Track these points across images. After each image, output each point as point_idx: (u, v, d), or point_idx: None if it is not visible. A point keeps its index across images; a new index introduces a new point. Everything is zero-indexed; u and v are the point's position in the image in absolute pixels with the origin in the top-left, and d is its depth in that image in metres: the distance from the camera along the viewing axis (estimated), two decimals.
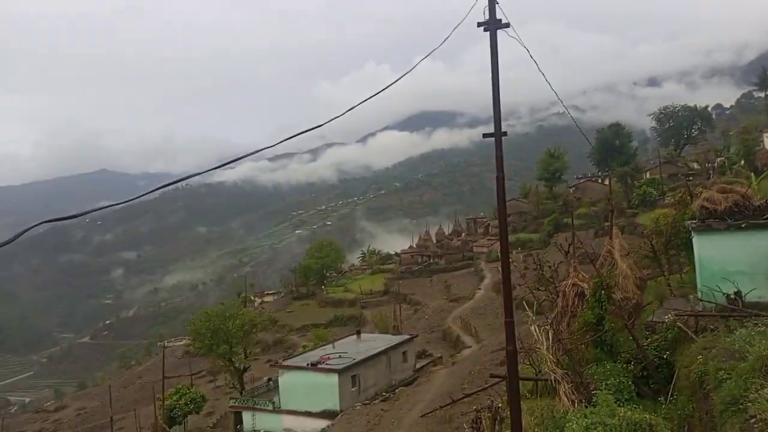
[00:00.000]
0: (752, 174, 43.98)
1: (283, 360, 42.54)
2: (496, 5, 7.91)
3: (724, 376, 10.47)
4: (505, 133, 8.42)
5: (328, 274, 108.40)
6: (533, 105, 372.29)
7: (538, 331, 14.00)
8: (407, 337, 47.17)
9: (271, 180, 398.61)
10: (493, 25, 7.99)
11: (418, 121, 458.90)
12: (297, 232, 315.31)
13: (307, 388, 37.03)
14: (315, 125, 7.79)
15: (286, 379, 38.68)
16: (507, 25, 8.06)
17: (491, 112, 9.64)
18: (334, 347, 43.03)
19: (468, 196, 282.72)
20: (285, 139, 7.38)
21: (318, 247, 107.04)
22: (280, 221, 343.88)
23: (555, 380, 12.93)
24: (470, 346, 48.21)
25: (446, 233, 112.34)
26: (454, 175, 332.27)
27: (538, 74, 10.12)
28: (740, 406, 9.37)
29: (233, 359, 45.19)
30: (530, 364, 17.94)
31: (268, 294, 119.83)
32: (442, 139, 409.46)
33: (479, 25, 8.07)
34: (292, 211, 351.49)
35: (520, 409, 8.66)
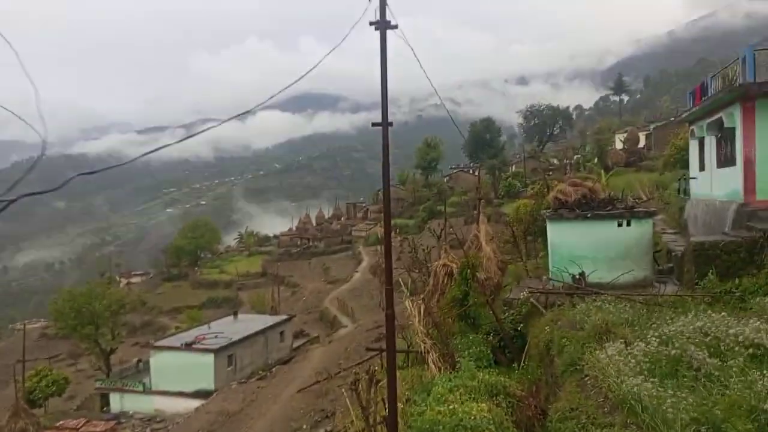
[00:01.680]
0: (603, 171, 49.22)
1: (155, 341, 41.27)
2: (387, 7, 8.75)
3: (566, 343, 12.27)
4: (391, 124, 9.32)
5: (202, 255, 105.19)
6: (413, 95, 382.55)
7: (411, 305, 15.26)
8: (285, 317, 47.65)
9: (139, 153, 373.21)
10: (383, 25, 8.83)
11: (300, 103, 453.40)
12: (168, 210, 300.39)
13: (181, 368, 36.38)
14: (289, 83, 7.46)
15: (158, 360, 37.68)
16: (395, 27, 8.94)
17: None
18: (209, 328, 42.47)
19: (348, 180, 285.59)
20: (272, 96, 7.57)
21: (192, 227, 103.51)
22: (149, 199, 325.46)
23: (425, 350, 14.25)
24: (346, 326, 49.66)
25: (326, 217, 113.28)
26: (336, 159, 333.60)
27: (419, 66, 11.06)
28: (577, 367, 11.12)
29: (99, 341, 43.06)
30: (403, 338, 19.35)
31: (135, 275, 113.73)
32: (325, 122, 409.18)
33: (371, 24, 8.87)
34: (163, 189, 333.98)
35: (396, 365, 9.70)
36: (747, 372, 8.56)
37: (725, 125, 18.58)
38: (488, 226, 24.79)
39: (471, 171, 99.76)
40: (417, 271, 24.80)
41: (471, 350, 14.75)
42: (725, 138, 19.18)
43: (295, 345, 46.50)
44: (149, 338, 50.10)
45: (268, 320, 45.87)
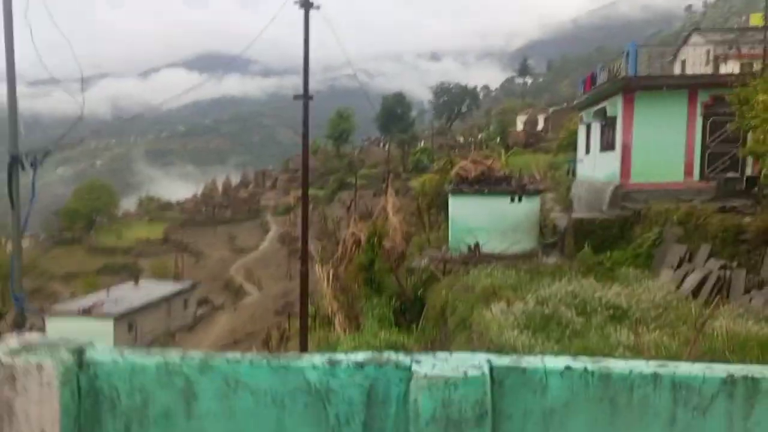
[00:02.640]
0: (503, 150, 51.98)
1: (35, 311, 39.52)
2: None
3: (458, 305, 13.65)
4: (311, 97, 9.94)
5: (98, 219, 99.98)
6: (327, 63, 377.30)
7: (320, 271, 16.10)
8: (188, 284, 47.03)
9: (30, 109, 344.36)
10: (307, 5, 9.40)
11: (208, 62, 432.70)
12: (59, 170, 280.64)
13: (78, 335, 34.89)
14: None
15: (53, 326, 36.21)
16: (318, 7, 9.54)
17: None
18: (108, 294, 41.23)
19: (258, 147, 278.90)
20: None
21: (87, 189, 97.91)
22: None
23: (332, 312, 15.19)
24: (253, 294, 49.80)
25: (233, 184, 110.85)
26: (245, 124, 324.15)
27: (333, 35, 11.65)
28: (466, 325, 12.51)
29: None
30: (311, 304, 20.22)
31: (23, 237, 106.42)
32: (234, 85, 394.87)
33: (295, 2, 9.41)
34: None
35: (308, 321, 10.52)
36: (604, 327, 10.18)
37: (608, 113, 20.66)
38: (396, 198, 25.98)
39: (382, 144, 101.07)
40: (326, 240, 25.62)
41: (375, 312, 15.86)
42: (608, 125, 21.32)
43: (199, 312, 46.15)
44: (41, 304, 47.69)
45: (171, 287, 45.11)
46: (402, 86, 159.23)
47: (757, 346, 7.90)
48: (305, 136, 10.17)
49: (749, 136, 13.87)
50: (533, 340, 9.30)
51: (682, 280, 12.53)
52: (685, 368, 1.96)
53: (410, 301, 17.04)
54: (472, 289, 13.92)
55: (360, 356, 2.11)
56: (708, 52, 34.91)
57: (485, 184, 19.44)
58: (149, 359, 2.18)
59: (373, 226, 19.07)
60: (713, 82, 18.17)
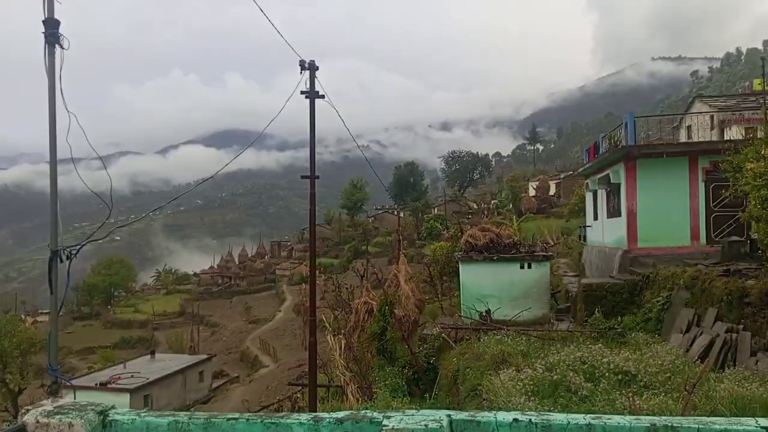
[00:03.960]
0: (515, 216, 52.46)
1: (68, 380, 39.58)
2: (316, 80, 10.12)
3: (469, 372, 13.71)
4: (317, 177, 10.55)
5: (116, 294, 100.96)
6: (340, 135, 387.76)
7: (333, 340, 16.29)
8: (204, 357, 46.89)
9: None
10: (312, 94, 10.16)
11: (225, 138, 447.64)
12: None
13: None
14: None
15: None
16: (323, 96, 10.30)
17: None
18: (125, 367, 41.24)
19: (273, 218, 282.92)
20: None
21: (106, 264, 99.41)
22: (60, 234, 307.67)
23: (344, 382, 15.27)
24: (268, 366, 49.40)
25: (249, 255, 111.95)
26: (260, 196, 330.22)
27: (347, 107, 12.49)
28: (477, 392, 12.55)
29: (7, 380, 40.88)
30: (324, 374, 20.25)
31: (42, 313, 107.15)
32: (250, 159, 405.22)
33: (302, 93, 10.18)
34: (75, 223, 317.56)
35: (316, 391, 10.69)
36: (611, 392, 10.25)
37: (612, 181, 21.14)
38: (408, 266, 26.29)
39: (396, 212, 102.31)
40: (340, 309, 25.79)
41: (387, 382, 15.89)
42: (613, 192, 21.77)
43: (215, 385, 45.79)
44: (64, 381, 47.70)
45: (187, 360, 45.01)
46: (414, 155, 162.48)
47: (760, 409, 7.96)
48: (312, 213, 10.73)
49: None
50: (540, 406, 9.38)
51: (691, 344, 12.56)
52: (615, 419, 2.30)
53: (423, 369, 17.06)
54: (483, 356, 13.99)
55: (341, 414, 2.49)
56: (712, 117, 35.77)
57: (494, 251, 19.77)
58: (162, 419, 2.57)
59: (384, 294, 19.34)
60: (712, 148, 18.61)
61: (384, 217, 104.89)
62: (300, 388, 18.99)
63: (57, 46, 5.10)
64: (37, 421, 2.47)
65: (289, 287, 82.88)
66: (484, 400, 11.99)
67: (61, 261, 4.96)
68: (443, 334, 17.41)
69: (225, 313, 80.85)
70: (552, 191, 74.22)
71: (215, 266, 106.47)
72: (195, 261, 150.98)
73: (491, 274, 19.12)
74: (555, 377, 10.94)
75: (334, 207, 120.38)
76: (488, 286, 19.12)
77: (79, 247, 5.03)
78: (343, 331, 18.68)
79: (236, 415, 2.54)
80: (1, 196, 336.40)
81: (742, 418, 2.33)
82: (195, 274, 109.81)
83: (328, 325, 18.30)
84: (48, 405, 2.60)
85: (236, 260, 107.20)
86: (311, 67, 10.10)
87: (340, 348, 17.14)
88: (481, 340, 15.68)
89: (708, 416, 2.66)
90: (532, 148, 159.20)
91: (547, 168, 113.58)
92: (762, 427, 2.21)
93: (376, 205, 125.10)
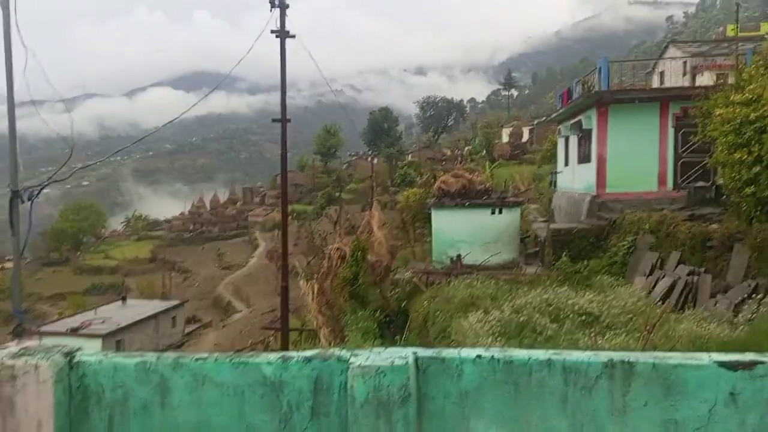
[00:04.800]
0: (489, 162, 52.69)
1: (38, 326, 39.43)
2: (287, 18, 9.78)
3: (439, 315, 14.04)
4: (289, 120, 10.35)
5: (85, 240, 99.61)
6: (314, 79, 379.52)
7: (306, 285, 16.44)
8: (176, 302, 47.02)
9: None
10: (283, 34, 9.84)
11: (194, 81, 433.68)
12: (45, 191, 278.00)
13: None
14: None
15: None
16: (293, 36, 9.98)
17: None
18: (96, 313, 41.19)
19: (245, 164, 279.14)
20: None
21: (75, 209, 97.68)
22: (24, 178, 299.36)
23: (317, 326, 15.52)
24: (241, 311, 49.81)
25: (221, 201, 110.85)
26: (232, 141, 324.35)
27: (320, 50, 12.13)
28: (446, 334, 12.89)
29: None
30: (298, 318, 20.54)
31: (8, 260, 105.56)
32: (220, 103, 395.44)
33: (272, 32, 9.84)
34: (40, 168, 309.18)
35: (289, 331, 10.86)
36: (575, 333, 10.61)
37: (584, 126, 21.26)
38: (382, 212, 26.41)
39: (370, 159, 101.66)
40: (313, 255, 25.95)
41: (359, 325, 16.19)
42: (584, 138, 21.92)
43: (188, 330, 46.10)
44: (30, 325, 47.51)
45: (159, 305, 45.08)
46: (389, 100, 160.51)
47: (716, 347, 8.35)
48: (284, 157, 10.60)
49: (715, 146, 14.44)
50: (506, 347, 9.68)
51: (653, 287, 13.01)
52: (574, 355, 2.38)
53: (394, 313, 17.40)
54: (452, 299, 14.31)
55: (309, 353, 2.53)
56: (685, 63, 35.90)
57: (466, 197, 19.92)
58: (129, 359, 2.58)
59: (357, 240, 19.46)
60: (683, 94, 18.74)
61: (358, 163, 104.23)
62: (273, 332, 19.26)
63: None
64: (2, 363, 2.46)
65: (263, 234, 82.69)
66: (452, 341, 12.34)
67: (23, 202, 4.81)
68: (415, 279, 17.70)
69: (197, 260, 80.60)
70: (525, 138, 74.48)
71: (186, 212, 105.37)
72: (166, 207, 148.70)
73: (463, 219, 19.33)
74: (521, 319, 11.28)
75: (307, 153, 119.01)
76: (460, 231, 19.37)
77: (41, 188, 4.89)
78: (315, 276, 18.85)
79: (204, 356, 2.57)
80: None
81: (696, 353, 2.43)
82: (166, 220, 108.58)
83: (301, 272, 18.42)
84: (13, 347, 2.58)
85: (208, 206, 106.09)
86: (281, 5, 9.75)
87: (313, 293, 17.32)
88: (452, 284, 16.00)
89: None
90: (507, 93, 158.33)
91: (522, 114, 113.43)
92: (715, 362, 2.31)
93: (350, 152, 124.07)
